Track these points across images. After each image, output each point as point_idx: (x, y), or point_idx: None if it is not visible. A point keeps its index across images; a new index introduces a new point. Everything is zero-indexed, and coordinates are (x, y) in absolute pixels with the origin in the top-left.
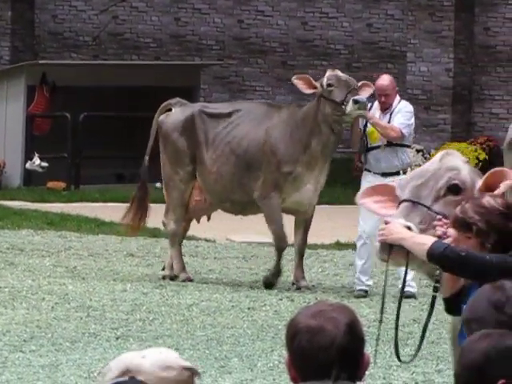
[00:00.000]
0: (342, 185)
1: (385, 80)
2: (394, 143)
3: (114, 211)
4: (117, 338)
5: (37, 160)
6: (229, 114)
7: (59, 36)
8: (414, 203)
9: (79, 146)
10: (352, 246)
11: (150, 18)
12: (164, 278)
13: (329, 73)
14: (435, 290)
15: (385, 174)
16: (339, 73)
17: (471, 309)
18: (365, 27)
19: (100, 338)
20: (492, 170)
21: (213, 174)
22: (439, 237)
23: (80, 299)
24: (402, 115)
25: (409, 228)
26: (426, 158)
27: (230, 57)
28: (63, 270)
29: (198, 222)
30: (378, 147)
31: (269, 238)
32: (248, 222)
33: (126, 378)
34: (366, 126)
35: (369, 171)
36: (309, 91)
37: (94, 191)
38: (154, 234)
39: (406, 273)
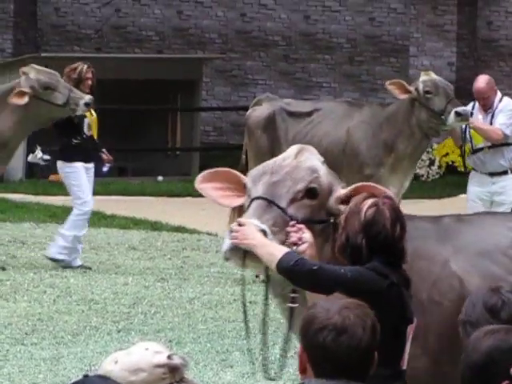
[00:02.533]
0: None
1: (481, 83)
2: (499, 143)
3: (115, 204)
4: (118, 332)
5: (39, 153)
6: (309, 113)
7: (62, 29)
8: (270, 203)
9: None
10: None
11: (153, 11)
12: None
13: (425, 77)
14: (292, 300)
15: (492, 174)
16: (434, 76)
17: (467, 311)
18: (367, 21)
19: (101, 331)
20: (360, 184)
21: None
22: (294, 244)
23: (82, 292)
24: (504, 114)
25: (263, 232)
26: (428, 153)
27: (233, 50)
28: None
29: None
30: (481, 149)
31: None
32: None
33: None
34: (466, 128)
35: (476, 171)
36: (403, 96)
37: (95, 184)
38: (156, 227)
39: (267, 281)
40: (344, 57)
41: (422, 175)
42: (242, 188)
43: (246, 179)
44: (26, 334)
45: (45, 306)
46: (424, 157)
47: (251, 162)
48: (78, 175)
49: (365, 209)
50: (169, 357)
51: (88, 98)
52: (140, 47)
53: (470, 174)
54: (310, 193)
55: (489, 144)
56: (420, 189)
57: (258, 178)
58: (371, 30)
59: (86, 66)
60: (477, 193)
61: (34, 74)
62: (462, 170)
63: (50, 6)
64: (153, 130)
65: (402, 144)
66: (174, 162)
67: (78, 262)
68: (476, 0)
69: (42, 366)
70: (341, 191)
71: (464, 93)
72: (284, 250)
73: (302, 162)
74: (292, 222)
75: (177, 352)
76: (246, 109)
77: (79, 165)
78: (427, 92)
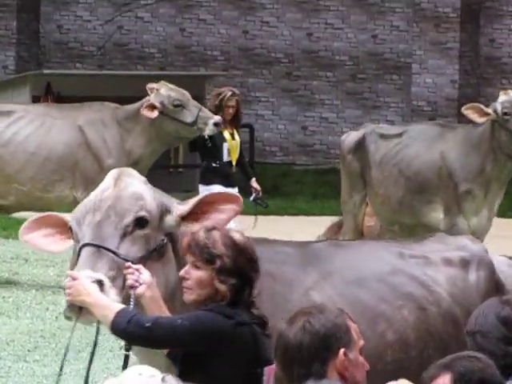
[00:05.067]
0: None
1: None
2: None
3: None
4: (120, 349)
5: None
6: (399, 135)
7: (64, 46)
8: (99, 248)
9: None
10: None
11: (155, 28)
12: None
13: (504, 97)
14: (127, 348)
15: None
16: None
17: (477, 321)
18: (370, 38)
19: (104, 348)
20: (202, 197)
21: (380, 197)
22: (131, 286)
23: None
24: None
25: (100, 282)
26: None
27: (235, 67)
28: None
29: None
30: None
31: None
32: (250, 234)
33: None
34: None
35: None
36: (482, 120)
37: None
38: None
39: (97, 332)
40: (346, 74)
41: None
42: (68, 230)
43: (70, 221)
44: (29, 350)
45: (47, 323)
46: None
47: (344, 187)
48: None
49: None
50: (163, 379)
51: (217, 118)
52: (142, 64)
53: None
54: (140, 222)
55: None
56: None
57: (82, 219)
58: (374, 48)
59: (229, 94)
60: None
61: (164, 90)
62: None
63: (53, 23)
64: None
65: (488, 166)
66: (176, 178)
67: None
68: (479, 17)
69: (44, 382)
70: (179, 208)
71: None
72: (116, 307)
73: (122, 190)
74: (127, 264)
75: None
76: (249, 126)
77: (217, 188)
78: (505, 114)
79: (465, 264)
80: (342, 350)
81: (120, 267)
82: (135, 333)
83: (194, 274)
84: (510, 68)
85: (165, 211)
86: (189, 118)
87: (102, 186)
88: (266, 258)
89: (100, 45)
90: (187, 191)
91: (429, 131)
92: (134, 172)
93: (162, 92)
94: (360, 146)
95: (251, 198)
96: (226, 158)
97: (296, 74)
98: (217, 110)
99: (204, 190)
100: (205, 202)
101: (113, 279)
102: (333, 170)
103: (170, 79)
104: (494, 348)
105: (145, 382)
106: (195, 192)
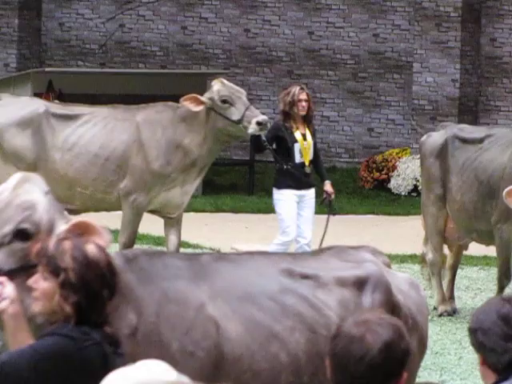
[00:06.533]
0: (347, 194)
1: None
2: None
3: (119, 220)
4: None
5: None
6: (481, 140)
7: (66, 44)
8: None
9: None
10: None
11: (157, 26)
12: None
13: None
14: None
15: None
16: None
17: (478, 319)
18: (371, 37)
19: None
20: (79, 220)
21: (457, 203)
22: None
23: None
24: None
25: None
26: None
27: (237, 66)
28: None
29: (451, 251)
30: None
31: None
32: (253, 231)
33: None
34: None
35: None
36: None
37: None
38: (159, 242)
39: None
40: (348, 73)
41: None
42: None
43: None
44: None
45: None
46: None
47: (423, 190)
48: (284, 204)
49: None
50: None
51: (262, 117)
52: (144, 62)
53: None
54: (21, 234)
55: None
56: None
57: None
58: (375, 47)
59: (298, 88)
60: None
61: (217, 86)
62: None
63: (55, 20)
64: None
65: None
66: None
67: None
68: (480, 17)
69: None
70: (61, 228)
71: (467, 109)
72: None
73: (16, 197)
74: None
75: None
76: None
77: (288, 192)
78: None
79: (359, 285)
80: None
81: None
82: None
83: (41, 285)
84: (511, 67)
85: (53, 229)
86: (235, 116)
87: (3, 185)
88: (156, 273)
89: (102, 43)
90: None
91: (507, 136)
92: (39, 180)
93: (213, 88)
94: (442, 151)
95: (321, 201)
96: (298, 160)
97: (297, 73)
98: (290, 107)
99: (276, 194)
100: (79, 227)
101: None
102: (333, 168)
103: (172, 77)
104: (494, 345)
105: (161, 375)
106: (197, 190)
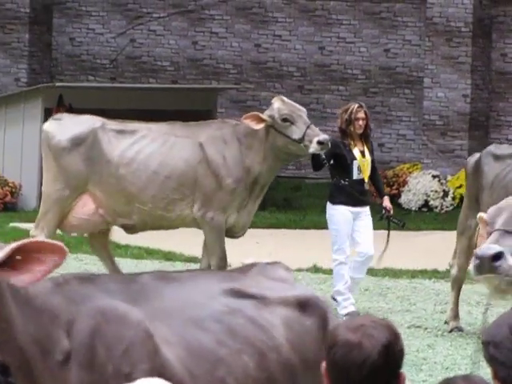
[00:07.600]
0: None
1: None
2: None
3: (129, 234)
4: None
5: None
6: (511, 156)
7: (76, 59)
8: None
9: None
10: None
11: (168, 41)
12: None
13: None
14: None
15: None
16: None
17: (490, 332)
18: (382, 52)
19: None
20: (21, 244)
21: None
22: None
23: None
24: None
25: None
26: (442, 184)
27: (247, 81)
28: None
29: None
30: None
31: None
32: (263, 246)
33: None
34: None
35: None
36: None
37: None
38: (169, 257)
39: None
40: (358, 88)
41: (436, 206)
42: None
43: None
44: None
45: None
46: (438, 188)
47: (463, 208)
48: (337, 219)
49: None
50: None
51: (323, 137)
52: (155, 77)
53: None
54: None
55: None
56: (434, 220)
57: None
58: (386, 62)
59: (356, 106)
60: None
61: (277, 104)
62: None
63: (65, 35)
64: None
65: None
66: None
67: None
68: (490, 32)
69: None
70: None
71: (478, 125)
72: None
73: None
74: None
75: None
76: None
77: (342, 208)
78: None
79: (300, 307)
80: None
81: None
82: None
83: None
84: None
85: None
86: (296, 135)
87: None
88: (89, 295)
89: (112, 57)
90: None
91: None
92: None
93: (274, 106)
94: (477, 168)
95: (380, 216)
96: (356, 176)
97: (308, 88)
98: (347, 125)
99: (330, 209)
100: (25, 250)
101: None
102: None
103: (182, 92)
104: (505, 359)
105: None
106: None
